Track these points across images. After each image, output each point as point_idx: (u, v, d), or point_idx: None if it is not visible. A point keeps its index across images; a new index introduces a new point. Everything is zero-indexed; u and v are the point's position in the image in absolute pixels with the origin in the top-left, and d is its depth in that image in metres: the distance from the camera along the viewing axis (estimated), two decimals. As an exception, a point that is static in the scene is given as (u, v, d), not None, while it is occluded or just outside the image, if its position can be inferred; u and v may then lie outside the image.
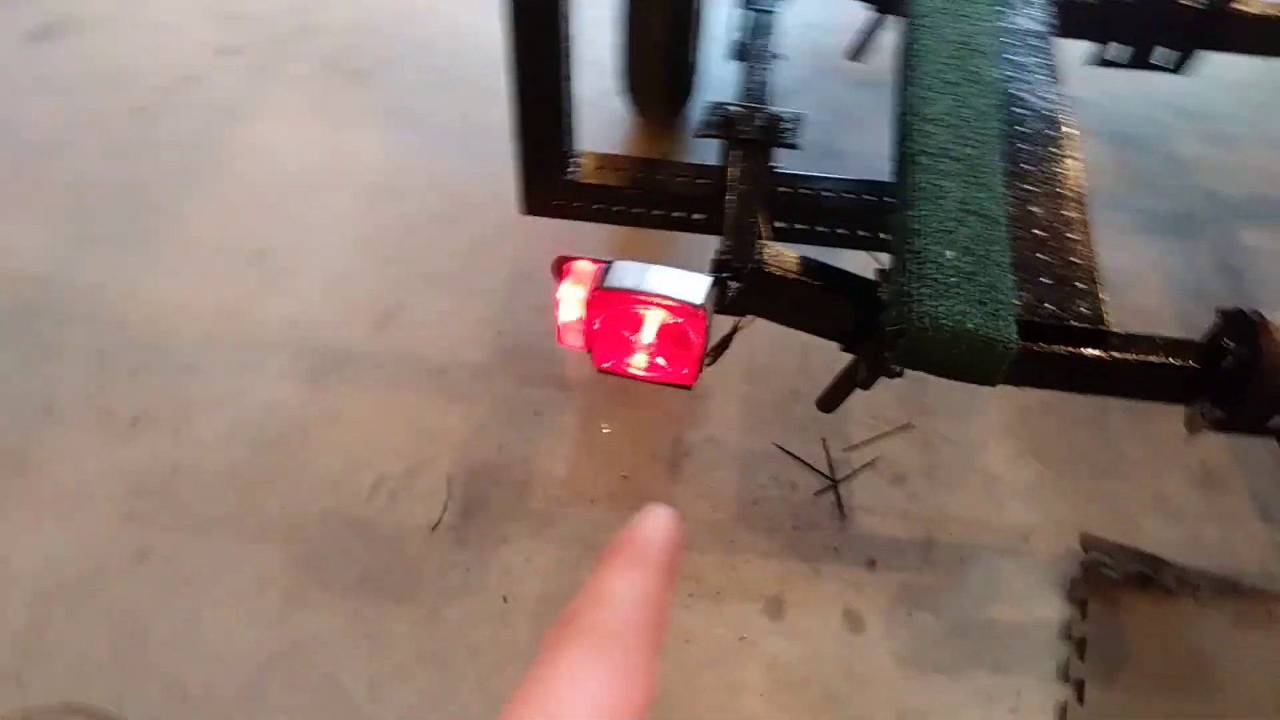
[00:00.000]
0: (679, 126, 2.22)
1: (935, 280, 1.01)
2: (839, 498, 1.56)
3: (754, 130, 1.31)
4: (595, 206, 1.45)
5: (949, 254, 1.03)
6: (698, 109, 2.17)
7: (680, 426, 1.66)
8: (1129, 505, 1.57)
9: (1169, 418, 1.36)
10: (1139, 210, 2.08)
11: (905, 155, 1.15)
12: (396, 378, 1.74)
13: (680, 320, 1.11)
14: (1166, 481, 1.60)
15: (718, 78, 2.21)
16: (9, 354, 1.77)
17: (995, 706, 1.37)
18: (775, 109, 1.34)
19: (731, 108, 1.33)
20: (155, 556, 1.51)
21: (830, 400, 1.25)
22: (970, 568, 1.49)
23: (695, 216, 1.43)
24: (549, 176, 1.41)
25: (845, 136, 2.20)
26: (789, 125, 1.32)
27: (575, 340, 1.19)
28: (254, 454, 1.63)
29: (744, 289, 1.16)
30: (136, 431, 1.66)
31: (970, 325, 0.97)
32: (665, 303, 1.10)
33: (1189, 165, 2.18)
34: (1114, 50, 1.74)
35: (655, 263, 1.15)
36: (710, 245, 1.17)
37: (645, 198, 1.42)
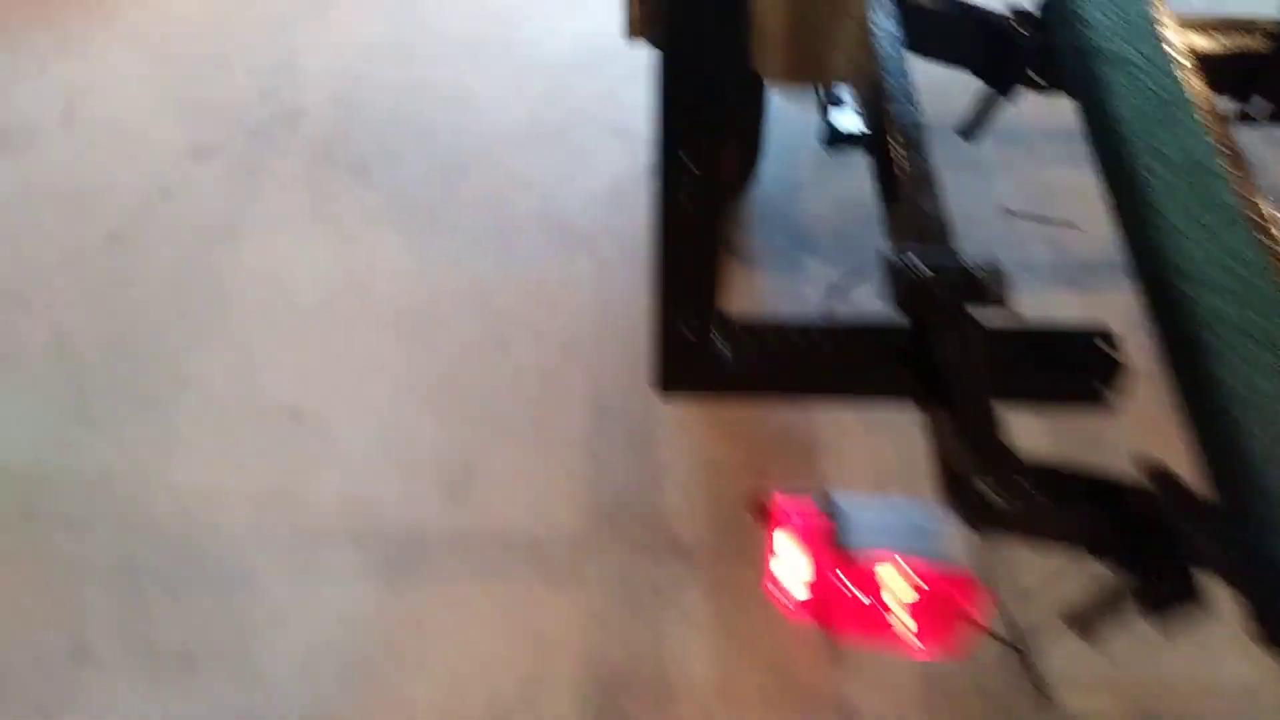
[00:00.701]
0: (736, 212, 1.95)
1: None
2: (1034, 672, 1.35)
3: (955, 293, 1.08)
4: (746, 380, 1.21)
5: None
6: (757, 188, 1.92)
7: (830, 595, 1.44)
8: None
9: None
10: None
11: (1185, 336, 0.93)
12: (484, 563, 1.49)
13: (948, 589, 0.89)
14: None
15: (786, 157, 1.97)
16: (17, 575, 1.48)
17: None
18: (966, 261, 1.12)
19: (920, 268, 1.09)
20: (247, 845, 1.25)
21: (1087, 624, 1.04)
22: (1206, 751, 1.30)
23: (868, 382, 1.20)
24: (693, 353, 1.17)
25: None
26: (993, 280, 1.09)
27: (795, 606, 0.96)
28: (339, 688, 1.37)
29: (1001, 515, 0.94)
30: (192, 672, 1.38)
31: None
32: (934, 571, 0.88)
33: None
34: (1254, 105, 1.57)
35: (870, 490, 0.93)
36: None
37: (808, 370, 1.19)
